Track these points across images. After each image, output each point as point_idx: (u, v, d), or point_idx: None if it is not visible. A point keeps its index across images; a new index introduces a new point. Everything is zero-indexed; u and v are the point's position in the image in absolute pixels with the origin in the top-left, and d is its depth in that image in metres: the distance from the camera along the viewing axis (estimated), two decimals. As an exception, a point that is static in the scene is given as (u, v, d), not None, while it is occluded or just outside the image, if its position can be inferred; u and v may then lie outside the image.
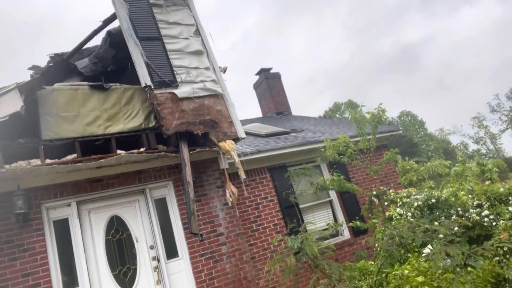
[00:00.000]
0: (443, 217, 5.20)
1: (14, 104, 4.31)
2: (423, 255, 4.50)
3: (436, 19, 76.59)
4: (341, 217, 7.86)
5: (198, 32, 6.22)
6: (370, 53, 78.33)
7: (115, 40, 6.15)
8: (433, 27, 75.38)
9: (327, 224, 7.08)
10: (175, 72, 5.69)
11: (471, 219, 4.85)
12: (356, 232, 7.66)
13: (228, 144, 5.91)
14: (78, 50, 6.20)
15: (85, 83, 5.37)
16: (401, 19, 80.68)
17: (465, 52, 68.63)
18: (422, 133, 43.68)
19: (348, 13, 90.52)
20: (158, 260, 5.28)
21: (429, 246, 4.63)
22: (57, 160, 4.69)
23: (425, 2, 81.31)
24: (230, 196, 5.89)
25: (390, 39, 76.93)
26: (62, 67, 6.10)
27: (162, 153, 5.33)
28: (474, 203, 5.21)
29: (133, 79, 5.76)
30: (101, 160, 4.82)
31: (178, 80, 5.67)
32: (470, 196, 5.37)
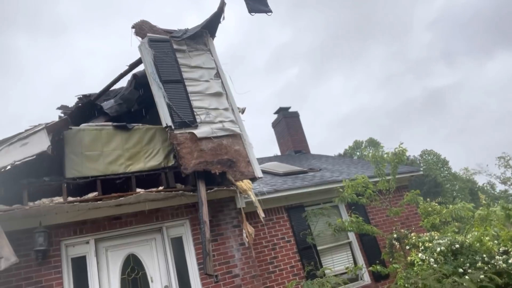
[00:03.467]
0: (468, 264, 4.98)
1: (42, 144, 4.53)
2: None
3: (461, 70, 79.21)
4: (360, 260, 7.60)
5: (218, 75, 6.47)
6: (400, 99, 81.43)
7: (140, 82, 6.46)
8: (460, 75, 77.78)
9: (346, 268, 6.85)
10: (195, 113, 5.87)
11: (498, 267, 4.62)
12: (377, 277, 7.37)
13: (245, 184, 5.95)
14: (105, 92, 6.54)
15: (110, 123, 5.61)
16: (426, 69, 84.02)
17: (492, 98, 69.27)
18: (446, 172, 42.50)
19: (378, 64, 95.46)
20: (172, 302, 5.20)
21: (454, 295, 4.41)
22: (78, 197, 4.83)
23: (445, 55, 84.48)
24: (247, 236, 5.84)
25: (419, 86, 79.71)
26: (89, 107, 6.42)
27: (180, 192, 5.40)
28: (500, 249, 4.99)
29: (155, 118, 5.97)
30: (120, 198, 4.93)
31: (198, 120, 5.84)
32: (495, 241, 5.15)
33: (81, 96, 6.70)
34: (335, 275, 5.97)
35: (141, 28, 6.17)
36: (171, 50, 6.17)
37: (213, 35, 6.79)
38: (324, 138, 72.85)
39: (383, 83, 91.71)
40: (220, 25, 6.67)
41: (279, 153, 14.30)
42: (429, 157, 43.76)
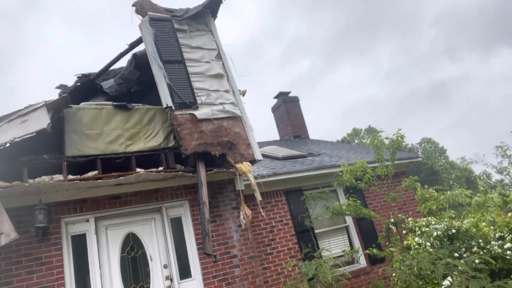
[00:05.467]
0: (463, 249, 5.04)
1: (42, 121, 4.50)
2: (443, 287, 4.35)
3: (464, 64, 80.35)
4: (357, 244, 7.70)
5: (219, 57, 6.41)
6: (404, 91, 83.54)
7: (140, 62, 6.40)
8: (463, 69, 79.44)
9: (343, 251, 6.94)
10: (195, 94, 5.84)
11: (493, 252, 4.68)
12: (373, 260, 7.47)
13: (245, 166, 5.96)
14: (105, 71, 6.47)
15: (110, 102, 5.57)
16: (431, 63, 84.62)
17: (493, 91, 69.89)
18: (443, 161, 42.74)
19: (385, 57, 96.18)
20: (171, 280, 5.27)
21: (449, 278, 4.48)
22: (78, 176, 4.84)
23: (449, 50, 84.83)
24: (244, 218, 5.89)
25: (423, 79, 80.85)
26: (88, 87, 6.37)
27: (180, 172, 5.42)
28: (496, 235, 5.05)
29: (155, 99, 5.94)
30: (120, 178, 4.94)
31: (198, 102, 5.81)
32: (492, 227, 5.20)
33: (81, 75, 6.62)
34: (333, 258, 6.05)
35: (142, 7, 6.07)
36: (172, 29, 6.09)
37: (214, 16, 6.69)
38: (330, 127, 74.36)
39: (389, 75, 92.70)
40: (222, 5, 6.57)
41: (278, 138, 14.29)
42: (428, 146, 43.93)
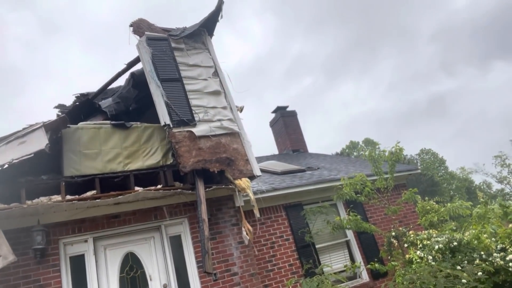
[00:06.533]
0: (465, 261, 5.00)
1: (40, 142, 4.50)
2: (446, 301, 4.30)
3: (462, 78, 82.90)
4: (359, 258, 7.62)
5: (216, 74, 6.46)
6: (404, 105, 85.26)
7: (138, 81, 6.45)
8: (461, 83, 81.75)
9: (345, 266, 6.87)
10: (193, 112, 5.87)
11: (495, 264, 4.65)
12: (375, 275, 7.39)
13: (243, 182, 5.95)
14: (103, 91, 6.52)
15: (108, 122, 5.59)
16: (430, 78, 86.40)
17: (490, 103, 71.10)
18: (443, 171, 42.67)
19: (386, 72, 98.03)
20: (171, 300, 5.20)
21: (452, 291, 4.43)
22: (77, 196, 4.82)
23: (447, 64, 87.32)
24: (247, 234, 5.85)
25: (422, 93, 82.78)
26: (86, 106, 6.41)
27: (179, 190, 5.40)
28: (498, 246, 5.01)
29: (153, 117, 5.96)
30: (119, 197, 4.92)
31: (196, 119, 5.83)
32: (493, 239, 5.17)
33: (79, 94, 6.67)
34: (334, 273, 5.99)
35: (139, 27, 6.16)
36: (169, 48, 6.16)
37: (211, 34, 6.78)
38: (331, 141, 75.76)
39: (389, 90, 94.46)
40: (218, 24, 6.67)
41: (277, 153, 14.29)
42: (427, 156, 43.92)
